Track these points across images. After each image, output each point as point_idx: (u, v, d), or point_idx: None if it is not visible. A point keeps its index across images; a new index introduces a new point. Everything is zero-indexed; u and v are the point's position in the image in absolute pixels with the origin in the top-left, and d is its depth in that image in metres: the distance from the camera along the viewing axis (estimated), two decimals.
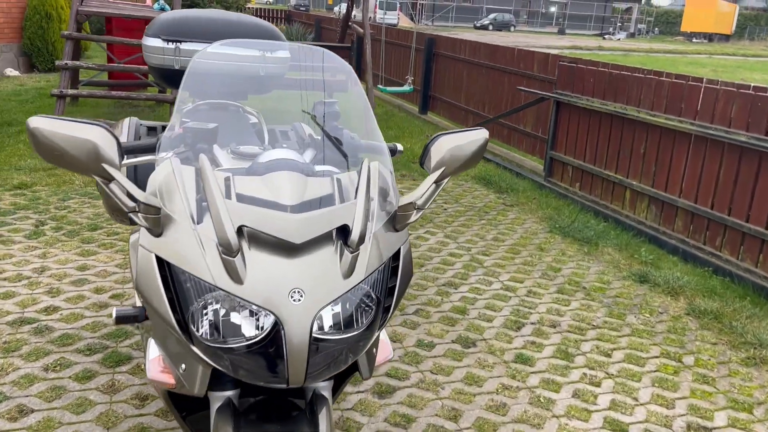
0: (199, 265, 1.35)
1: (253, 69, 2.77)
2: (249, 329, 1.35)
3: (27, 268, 3.76)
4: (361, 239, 1.41)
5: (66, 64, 6.95)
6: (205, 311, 1.36)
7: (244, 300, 1.33)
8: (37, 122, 1.37)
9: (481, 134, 1.65)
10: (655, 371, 3.17)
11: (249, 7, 19.56)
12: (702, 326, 3.67)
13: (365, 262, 1.44)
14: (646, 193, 5.07)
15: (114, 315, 1.55)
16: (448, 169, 1.61)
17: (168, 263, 1.40)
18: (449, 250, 4.49)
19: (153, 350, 1.56)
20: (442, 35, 9.12)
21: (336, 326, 1.40)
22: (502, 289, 3.94)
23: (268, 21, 20.57)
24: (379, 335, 1.64)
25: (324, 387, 1.61)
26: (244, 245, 1.38)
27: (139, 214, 1.37)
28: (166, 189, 1.46)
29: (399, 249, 1.57)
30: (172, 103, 7.58)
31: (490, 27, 45.22)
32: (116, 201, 1.34)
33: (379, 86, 8.82)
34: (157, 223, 1.40)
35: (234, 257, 1.33)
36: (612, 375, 3.11)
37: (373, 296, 1.47)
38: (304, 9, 40.35)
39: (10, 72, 10.50)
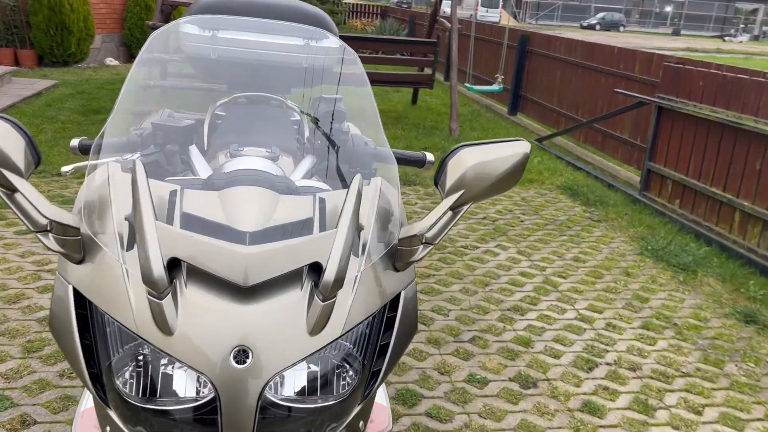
0: (122, 306, 1.04)
1: (296, 60, 2.47)
2: (185, 390, 1.03)
3: None
4: (338, 283, 1.05)
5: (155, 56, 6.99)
6: (126, 366, 1.04)
7: (171, 356, 1.01)
8: None
9: (518, 148, 1.23)
10: None
11: (346, 2, 19.55)
12: None
13: (344, 313, 1.08)
14: (760, 217, 4.36)
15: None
16: (469, 193, 1.20)
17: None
18: (521, 269, 4.02)
19: (88, 400, 1.26)
20: (537, 32, 8.55)
21: (300, 393, 1.05)
22: (577, 319, 3.44)
23: (362, 17, 20.52)
24: (369, 403, 1.27)
25: None
26: (180, 283, 1.05)
27: (50, 235, 1.07)
28: (95, 204, 1.15)
29: (399, 294, 1.20)
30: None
31: (598, 27, 43.23)
32: (21, 218, 1.05)
33: (466, 84, 8.37)
34: (76, 248, 1.10)
35: (162, 299, 1.00)
36: None
37: (356, 357, 1.10)
38: (406, 6, 40.21)
39: (111, 61, 10.87)
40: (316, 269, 1.10)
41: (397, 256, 1.20)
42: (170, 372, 1.03)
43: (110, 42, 11.05)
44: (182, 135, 1.41)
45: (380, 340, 1.16)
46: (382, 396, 1.39)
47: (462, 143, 1.25)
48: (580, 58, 7.22)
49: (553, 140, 7.37)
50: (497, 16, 33.37)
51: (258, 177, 1.21)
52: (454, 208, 1.19)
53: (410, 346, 3.05)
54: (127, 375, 1.04)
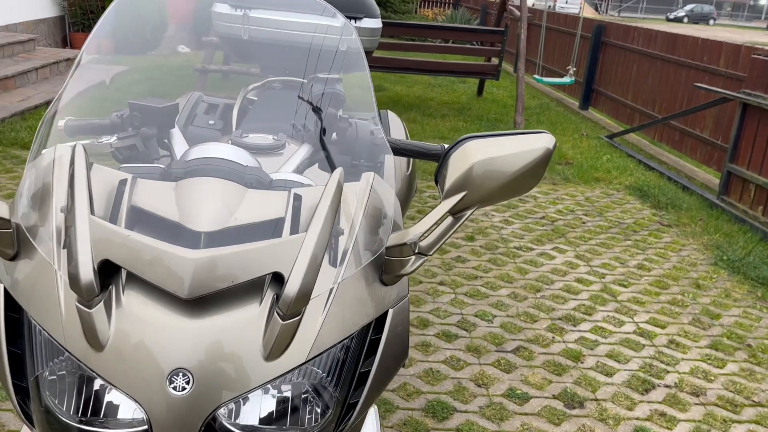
0: (52, 313, 0.89)
1: (331, 42, 2.30)
2: (119, 412, 0.88)
3: None
4: (302, 298, 0.87)
5: (211, 40, 7.02)
6: (54, 381, 0.90)
7: (98, 376, 0.85)
8: None
9: (539, 141, 1.00)
10: None
11: None
12: None
13: (313, 334, 0.90)
14: None
15: None
16: (473, 195, 0.99)
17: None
18: (577, 274, 3.73)
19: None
20: (613, 22, 8.07)
21: (253, 428, 0.88)
22: (635, 334, 3.14)
23: (434, 6, 20.17)
24: None
25: None
26: (117, 290, 0.90)
27: None
28: (38, 193, 1.01)
29: (386, 313, 1.00)
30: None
31: (685, 20, 41.08)
32: None
33: (535, 76, 8.00)
34: (8, 242, 0.96)
35: (91, 308, 0.85)
36: None
37: (327, 387, 0.92)
38: None
39: (182, 49, 11.08)
40: (281, 280, 0.92)
41: (385, 268, 1.00)
42: (103, 391, 0.88)
43: (182, 31, 11.26)
44: (160, 116, 1.26)
45: (360, 367, 0.97)
46: (371, 425, 1.20)
47: (470, 133, 1.03)
48: (660, 49, 6.74)
49: (624, 137, 6.93)
50: (577, 7, 32.18)
51: (223, 167, 1.04)
52: (455, 212, 0.98)
53: (446, 353, 2.84)
54: (54, 391, 0.90)
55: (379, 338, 0.99)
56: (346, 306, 0.95)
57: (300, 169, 1.26)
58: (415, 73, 7.73)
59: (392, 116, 2.52)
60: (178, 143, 1.28)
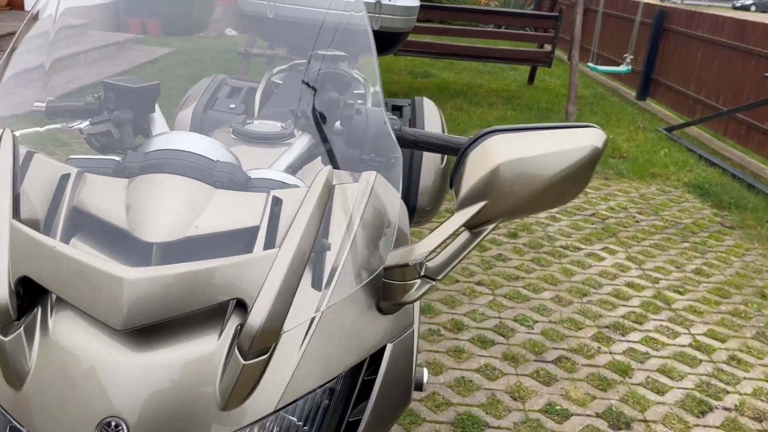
0: None
1: (360, 22, 2.11)
2: None
3: None
4: (267, 334, 0.68)
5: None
6: None
7: (12, 419, 0.69)
8: None
9: (585, 138, 0.78)
10: None
11: None
12: None
13: (284, 377, 0.72)
14: None
15: None
16: (497, 205, 0.77)
17: None
18: (628, 278, 3.45)
19: None
20: (676, 8, 7.60)
21: None
22: (691, 347, 2.86)
23: None
24: None
25: None
26: (43, 315, 0.73)
27: None
28: None
29: (383, 348, 0.81)
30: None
31: (753, 8, 39.06)
32: None
33: (589, 64, 7.61)
34: None
35: (7, 336, 0.69)
36: None
37: None
38: None
39: (230, 32, 11.05)
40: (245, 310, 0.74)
41: (382, 293, 0.81)
42: None
43: (230, 13, 11.22)
44: (136, 98, 1.09)
45: (349, 415, 0.78)
46: None
47: (495, 126, 0.81)
48: (727, 37, 6.29)
49: (685, 130, 6.51)
50: None
51: (188, 162, 0.85)
52: (473, 226, 0.77)
53: (481, 360, 2.63)
54: None
55: (374, 379, 0.80)
56: (331, 340, 0.76)
57: (297, 164, 1.07)
58: (463, 60, 7.47)
59: (428, 103, 2.31)
60: (159, 130, 1.10)
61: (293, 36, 2.44)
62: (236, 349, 0.70)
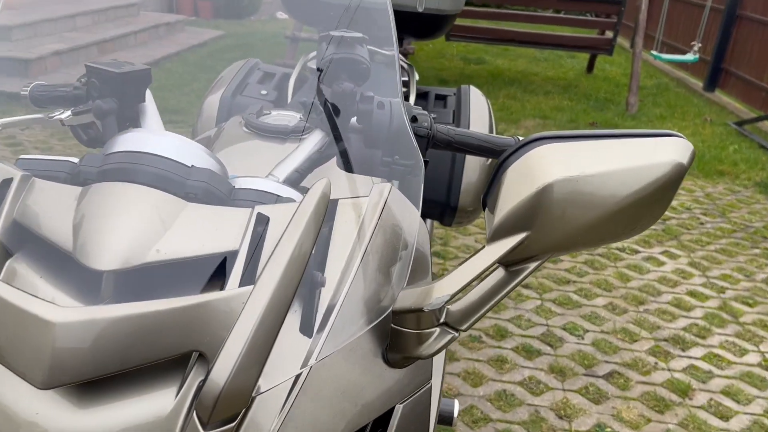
0: None
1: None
2: None
3: None
4: (236, 398, 0.52)
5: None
6: None
7: None
8: None
9: (664, 150, 0.58)
10: None
11: None
12: None
13: None
14: None
15: None
16: (543, 236, 0.57)
17: None
18: (690, 286, 3.18)
19: None
20: None
21: None
22: (761, 367, 2.59)
23: None
24: None
25: None
26: None
27: None
28: None
29: (392, 411, 0.64)
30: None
31: None
32: None
33: (653, 52, 7.19)
34: None
35: None
36: None
37: None
38: None
39: (281, 15, 10.97)
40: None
41: (391, 342, 0.64)
42: None
43: None
44: (122, 85, 0.94)
45: None
46: None
47: (544, 132, 0.61)
48: None
49: (757, 125, 6.08)
50: None
51: (154, 168, 0.69)
52: (510, 264, 0.59)
53: (525, 372, 2.44)
54: None
55: None
56: (322, 403, 0.60)
57: (305, 167, 0.90)
58: (519, 46, 7.19)
59: (475, 93, 2.11)
60: (150, 122, 0.96)
61: (333, 17, 2.28)
62: (195, 416, 0.55)
